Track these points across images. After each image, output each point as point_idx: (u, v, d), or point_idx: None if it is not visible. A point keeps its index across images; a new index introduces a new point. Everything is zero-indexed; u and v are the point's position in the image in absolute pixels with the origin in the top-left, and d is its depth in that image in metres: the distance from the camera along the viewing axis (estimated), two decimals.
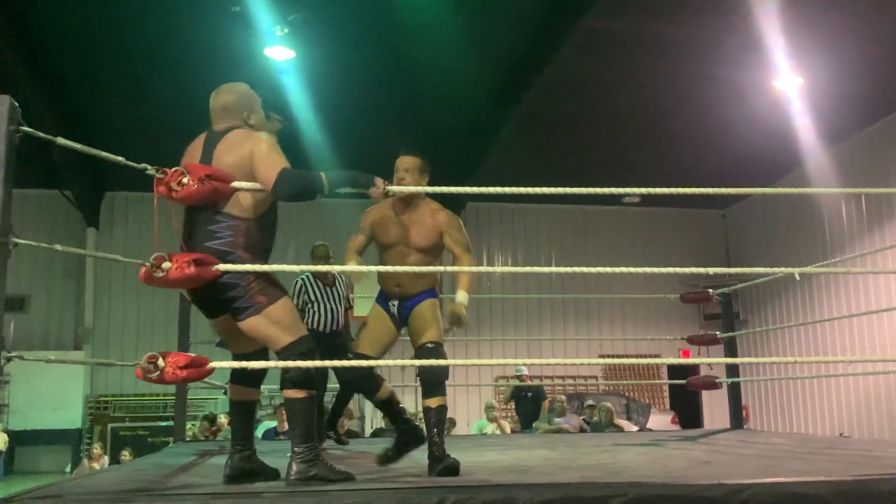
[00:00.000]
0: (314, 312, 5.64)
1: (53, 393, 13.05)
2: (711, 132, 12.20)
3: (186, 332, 5.91)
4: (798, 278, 3.52)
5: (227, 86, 3.42)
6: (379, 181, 3.28)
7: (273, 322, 3.05)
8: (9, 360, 2.51)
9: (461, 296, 3.81)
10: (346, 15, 9.26)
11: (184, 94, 10.91)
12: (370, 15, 9.25)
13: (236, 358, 3.25)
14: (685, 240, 16.25)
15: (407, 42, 9.76)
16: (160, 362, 2.78)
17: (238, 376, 3.29)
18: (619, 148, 12.93)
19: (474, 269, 4.02)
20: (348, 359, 3.80)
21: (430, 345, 3.74)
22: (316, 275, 5.71)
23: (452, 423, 10.97)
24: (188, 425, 10.45)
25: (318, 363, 3.09)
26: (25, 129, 2.55)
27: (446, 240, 3.89)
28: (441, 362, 3.60)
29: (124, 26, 9.50)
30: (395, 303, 3.85)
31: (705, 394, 15.26)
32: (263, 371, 3.25)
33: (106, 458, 11.31)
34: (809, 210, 13.84)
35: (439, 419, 3.67)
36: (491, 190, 3.47)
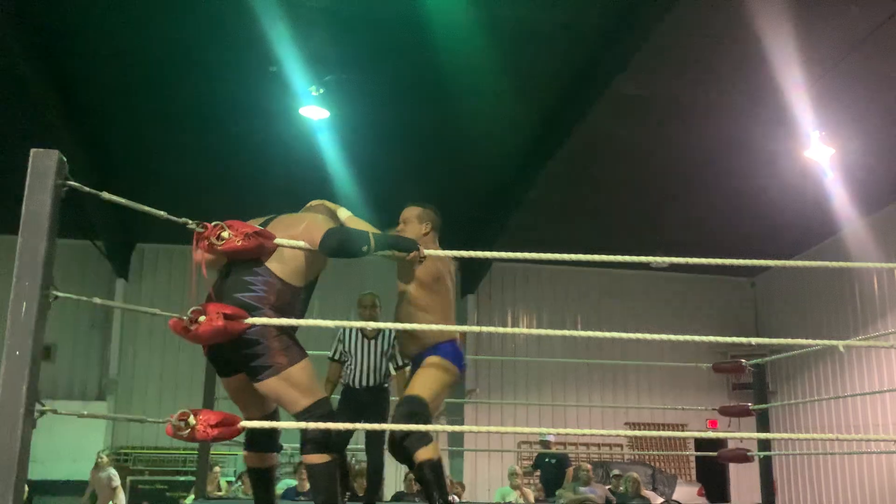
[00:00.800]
0: (351, 366, 5.25)
1: (74, 444, 12.99)
2: (742, 199, 12.17)
3: (212, 387, 5.85)
4: (843, 350, 3.41)
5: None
6: (421, 248, 3.28)
7: (292, 384, 3.01)
8: (42, 413, 2.49)
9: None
10: (380, 75, 9.43)
11: (221, 152, 11.14)
12: (404, 75, 9.40)
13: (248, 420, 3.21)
14: (714, 307, 16.08)
15: (440, 103, 9.91)
16: (191, 420, 2.75)
17: (253, 443, 3.26)
18: (648, 213, 12.91)
19: (494, 329, 3.90)
20: (383, 418, 3.72)
21: (402, 402, 3.59)
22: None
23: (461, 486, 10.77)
24: (222, 481, 10.50)
25: (337, 425, 3.01)
26: (71, 183, 2.57)
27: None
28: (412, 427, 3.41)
29: (165, 84, 9.72)
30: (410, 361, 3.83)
31: (733, 467, 14.91)
32: (278, 435, 3.22)
33: (112, 470, 11.37)
34: (840, 280, 13.67)
35: (435, 474, 3.47)
36: (513, 255, 3.40)
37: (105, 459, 11.51)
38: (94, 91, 10.14)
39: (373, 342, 5.19)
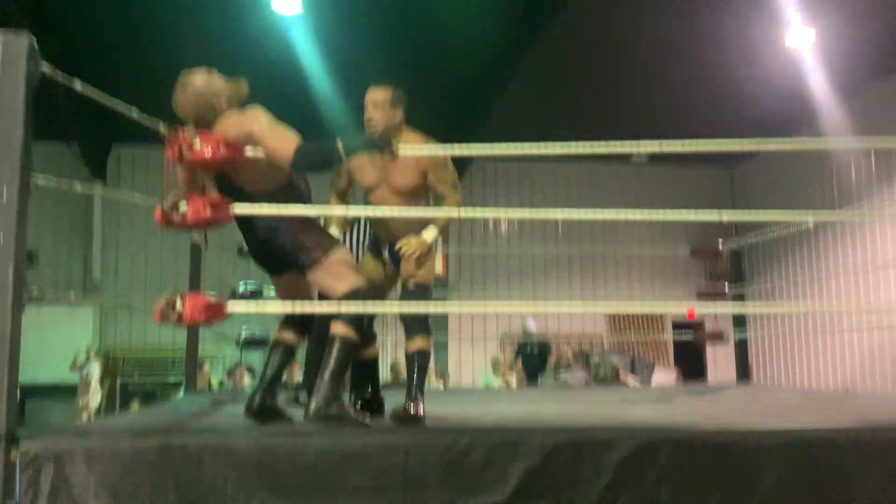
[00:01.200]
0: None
1: (63, 347, 13.13)
2: (721, 87, 12.10)
3: (197, 283, 5.94)
4: (811, 226, 3.49)
5: (185, 82, 3.32)
6: (395, 145, 3.24)
7: (330, 274, 3.17)
8: (30, 299, 2.54)
9: (429, 233, 3.53)
10: None
11: (192, 50, 10.85)
12: None
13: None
14: (693, 198, 16.14)
15: None
16: (178, 304, 2.80)
17: (291, 320, 3.38)
18: (629, 101, 12.84)
19: (461, 211, 3.72)
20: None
21: (411, 287, 3.56)
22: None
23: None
24: (213, 380, 10.73)
25: (353, 310, 3.12)
26: (45, 70, 2.54)
27: (430, 178, 3.57)
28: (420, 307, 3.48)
29: None
30: (386, 247, 3.69)
31: (709, 352, 15.37)
32: (311, 318, 3.34)
33: (92, 366, 11.57)
34: (818, 169, 13.77)
35: (423, 364, 3.55)
36: (495, 151, 3.40)
37: (86, 357, 11.62)
38: None
39: (347, 234, 4.97)
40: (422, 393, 3.43)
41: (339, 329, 3.14)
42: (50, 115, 11.42)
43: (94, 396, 11.72)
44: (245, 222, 3.22)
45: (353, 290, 3.15)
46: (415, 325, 3.55)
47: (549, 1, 9.69)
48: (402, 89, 3.69)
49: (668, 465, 2.61)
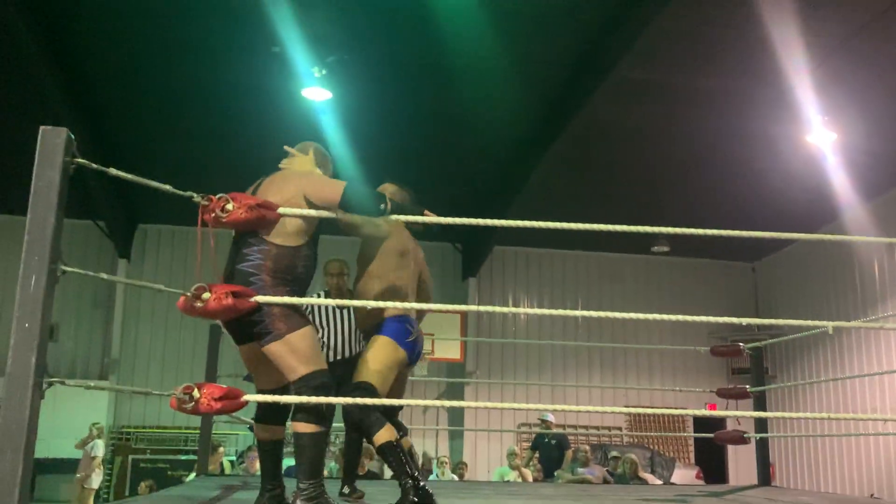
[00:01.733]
0: (323, 339, 4.84)
1: (77, 422, 13.07)
2: (744, 185, 12.19)
3: (214, 364, 5.93)
4: (831, 332, 3.44)
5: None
6: (428, 213, 3.30)
7: (291, 351, 3.05)
8: (50, 384, 2.55)
9: None
10: (383, 57, 9.43)
11: (223, 133, 11.15)
12: (407, 57, 9.40)
13: (260, 393, 3.27)
14: (714, 292, 16.14)
15: (443, 85, 9.91)
16: (195, 393, 2.79)
17: (263, 415, 3.31)
18: (649, 198, 12.94)
19: (491, 308, 3.85)
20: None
21: (352, 388, 3.63)
22: (330, 295, 4.84)
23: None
24: (225, 461, 10.58)
25: (330, 400, 3.03)
26: (79, 160, 2.61)
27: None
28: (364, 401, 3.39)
29: (167, 64, 9.73)
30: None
31: (731, 450, 15.02)
32: (288, 409, 3.26)
33: (98, 442, 11.47)
34: (842, 266, 13.71)
35: (394, 455, 3.45)
36: (519, 224, 3.43)
37: (94, 432, 11.51)
38: (94, 72, 10.16)
39: (345, 311, 4.84)
40: (413, 474, 3.41)
41: (299, 427, 3.07)
42: (80, 192, 11.69)
43: (96, 474, 11.56)
44: (228, 275, 3.19)
45: (313, 374, 3.06)
46: (366, 426, 3.55)
47: (575, 95, 9.89)
48: (409, 191, 3.94)
49: None
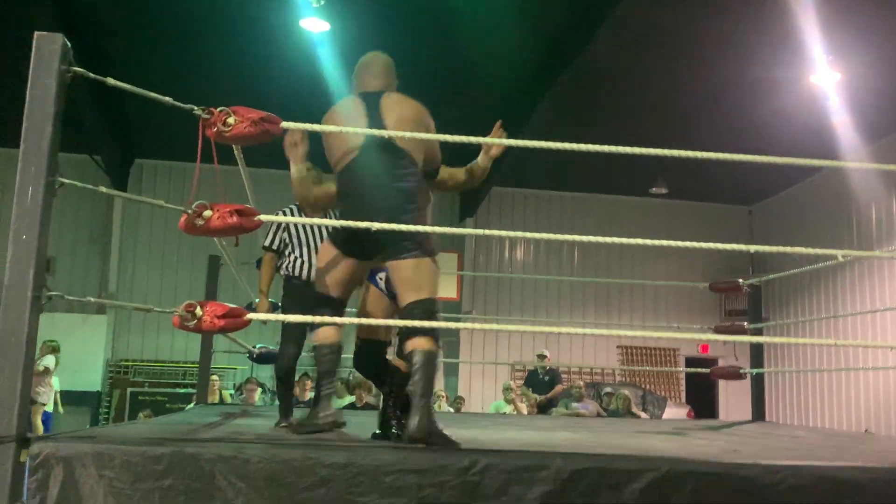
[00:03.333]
0: (294, 256, 4.49)
1: (75, 356, 13.14)
2: (745, 128, 12.07)
3: (214, 295, 5.92)
4: (841, 259, 3.42)
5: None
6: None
7: (429, 271, 3.23)
8: (49, 298, 2.52)
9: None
10: None
11: (221, 67, 10.96)
12: None
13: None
14: (711, 234, 16.07)
15: (441, 23, 9.73)
16: (198, 311, 2.77)
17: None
18: (649, 141, 12.77)
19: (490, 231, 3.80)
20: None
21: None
22: (301, 207, 4.27)
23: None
24: (225, 394, 10.67)
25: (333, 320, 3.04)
26: (76, 69, 2.54)
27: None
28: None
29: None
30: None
31: (722, 389, 15.22)
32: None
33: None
34: (838, 209, 13.69)
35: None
36: (518, 143, 3.39)
37: (46, 348, 10.81)
38: (87, 5, 9.94)
39: (320, 228, 4.51)
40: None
41: (421, 345, 3.11)
42: (76, 126, 11.54)
43: (45, 388, 10.92)
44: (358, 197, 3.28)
45: (435, 298, 3.19)
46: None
47: (576, 36, 9.72)
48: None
49: (694, 498, 2.54)
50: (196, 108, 2.83)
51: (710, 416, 14.29)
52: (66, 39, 2.51)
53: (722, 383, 14.80)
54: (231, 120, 2.84)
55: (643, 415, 10.49)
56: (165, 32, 10.44)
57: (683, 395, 15.86)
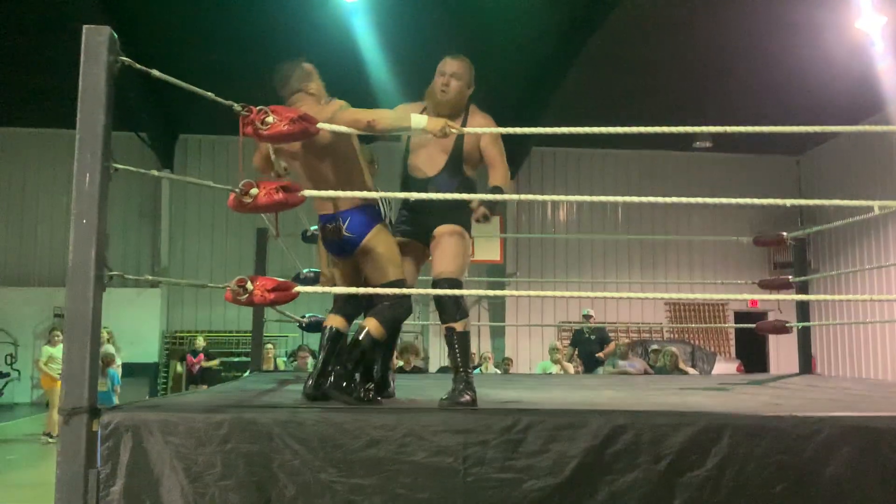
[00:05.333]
0: None
1: (132, 328, 13.56)
2: (786, 76, 11.86)
3: (263, 267, 6.08)
4: (878, 211, 3.43)
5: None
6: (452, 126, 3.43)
7: (460, 245, 3.47)
8: (111, 277, 2.67)
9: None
10: None
11: (254, 38, 11.07)
12: None
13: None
14: (758, 187, 15.87)
15: None
16: (248, 285, 2.90)
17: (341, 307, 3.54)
18: (691, 92, 12.66)
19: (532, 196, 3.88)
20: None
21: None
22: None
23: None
24: (279, 361, 10.96)
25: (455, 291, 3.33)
26: (124, 59, 2.66)
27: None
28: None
29: None
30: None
31: (772, 342, 15.12)
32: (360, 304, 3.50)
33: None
34: (887, 157, 13.40)
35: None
36: (557, 130, 3.42)
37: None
38: None
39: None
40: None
41: (459, 327, 3.41)
42: (121, 104, 11.77)
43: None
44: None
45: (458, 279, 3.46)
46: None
47: None
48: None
49: (731, 451, 2.60)
50: (236, 105, 2.92)
51: (762, 370, 14.24)
52: (112, 31, 2.62)
53: (773, 337, 14.71)
54: (269, 119, 2.93)
55: (692, 371, 10.50)
56: (200, 7, 10.57)
57: (733, 349, 15.80)
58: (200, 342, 12.42)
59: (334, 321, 3.51)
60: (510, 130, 3.61)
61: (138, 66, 2.75)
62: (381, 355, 3.71)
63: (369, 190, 3.43)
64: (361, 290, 3.20)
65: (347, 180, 3.33)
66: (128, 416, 2.62)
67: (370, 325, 3.26)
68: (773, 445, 2.63)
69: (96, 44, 2.61)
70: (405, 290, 3.34)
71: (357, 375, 3.26)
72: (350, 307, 3.56)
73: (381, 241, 3.36)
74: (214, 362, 12.38)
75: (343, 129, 3.21)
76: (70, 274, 2.60)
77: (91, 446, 2.56)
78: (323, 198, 3.33)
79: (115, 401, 11.50)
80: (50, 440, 10.02)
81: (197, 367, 12.10)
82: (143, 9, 10.77)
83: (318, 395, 3.29)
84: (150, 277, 3.00)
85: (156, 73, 2.85)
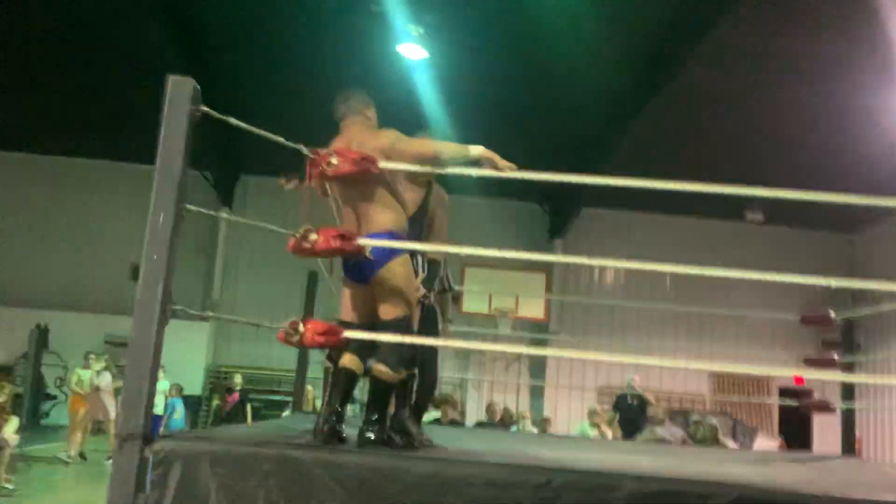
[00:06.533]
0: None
1: (178, 360, 13.76)
2: (844, 155, 11.80)
3: (311, 309, 6.23)
4: None
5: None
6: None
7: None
8: (174, 312, 2.82)
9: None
10: (478, 17, 9.50)
11: (320, 92, 11.40)
12: (501, 17, 9.45)
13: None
14: (809, 264, 15.57)
15: (536, 47, 9.93)
16: (300, 328, 3.04)
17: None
18: (745, 167, 12.61)
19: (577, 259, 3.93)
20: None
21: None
22: None
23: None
24: (316, 402, 11.05)
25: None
26: (204, 109, 2.85)
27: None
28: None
29: (270, 23, 10.06)
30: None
31: (816, 422, 14.75)
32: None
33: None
34: None
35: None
36: (602, 181, 3.51)
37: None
38: (203, 25, 10.56)
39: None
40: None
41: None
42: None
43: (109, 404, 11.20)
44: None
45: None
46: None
47: (670, 59, 9.75)
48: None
49: None
50: (304, 148, 3.10)
51: (804, 449, 13.90)
52: (195, 83, 2.82)
53: (817, 416, 14.39)
54: (334, 160, 3.10)
55: (731, 444, 10.33)
56: (270, 59, 10.99)
57: (776, 426, 15.45)
58: (238, 381, 12.49)
59: (349, 361, 3.42)
60: (559, 177, 3.62)
61: (216, 114, 2.95)
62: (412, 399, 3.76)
63: (403, 218, 3.47)
64: (409, 339, 3.30)
65: (383, 204, 3.39)
66: (178, 446, 2.74)
67: (381, 373, 3.31)
68: None
69: (180, 94, 2.81)
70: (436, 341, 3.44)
71: (387, 422, 3.36)
72: (363, 345, 3.45)
73: (399, 274, 3.35)
74: (248, 407, 12.28)
75: (403, 166, 3.35)
76: (137, 306, 2.76)
77: (142, 472, 2.69)
78: (353, 218, 3.38)
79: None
80: (69, 459, 10.25)
81: (230, 405, 12.21)
82: (215, 55, 11.23)
83: (331, 439, 3.27)
84: (211, 314, 3.19)
85: (233, 121, 3.04)
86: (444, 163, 3.38)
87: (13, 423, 8.44)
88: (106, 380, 11.26)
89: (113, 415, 10.85)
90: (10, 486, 7.72)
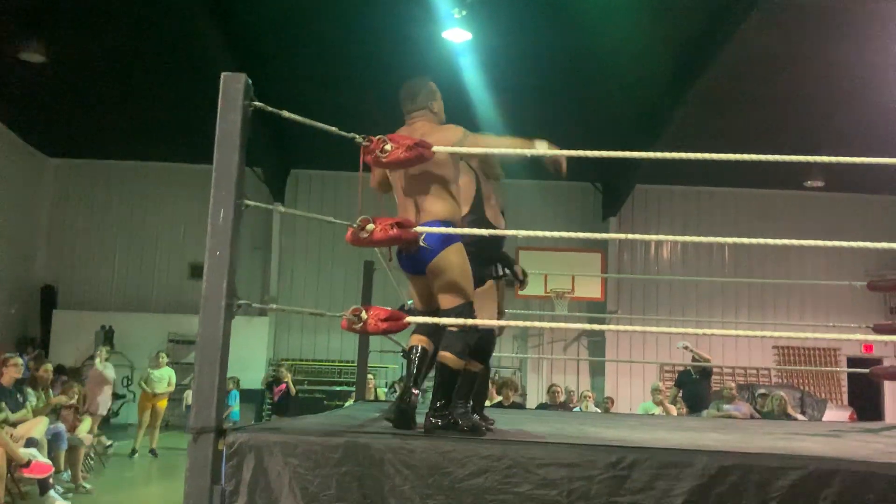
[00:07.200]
0: None
1: (241, 355, 14.00)
2: None
3: (369, 297, 6.27)
4: None
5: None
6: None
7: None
8: (239, 306, 2.86)
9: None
10: None
11: (368, 79, 11.48)
12: None
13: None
14: (871, 228, 15.27)
15: (582, 22, 9.79)
16: (363, 315, 3.06)
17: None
18: (803, 129, 12.36)
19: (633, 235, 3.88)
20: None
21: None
22: None
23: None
24: (379, 391, 11.20)
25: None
26: (257, 103, 2.87)
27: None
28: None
29: (318, 16, 10.10)
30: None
31: (888, 390, 14.40)
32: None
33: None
34: None
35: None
36: (668, 155, 3.45)
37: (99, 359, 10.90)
38: (253, 19, 10.65)
39: None
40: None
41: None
42: None
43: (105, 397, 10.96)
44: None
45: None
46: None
47: (725, 22, 9.53)
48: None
49: (840, 498, 2.56)
50: (357, 136, 3.11)
51: (876, 419, 13.58)
52: (248, 78, 2.85)
53: (889, 384, 14.04)
54: (388, 147, 3.10)
55: (800, 417, 10.14)
56: (317, 51, 11.05)
57: (845, 396, 15.12)
58: (284, 373, 12.64)
59: (418, 340, 3.49)
60: (618, 154, 3.58)
61: (270, 108, 2.97)
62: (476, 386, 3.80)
63: (458, 209, 3.49)
64: (472, 322, 3.29)
65: (439, 195, 3.38)
66: (251, 437, 2.79)
67: (446, 360, 3.32)
68: (886, 494, 2.57)
69: (234, 90, 2.84)
70: (498, 322, 3.43)
71: (458, 407, 3.37)
72: (429, 327, 3.52)
73: (455, 262, 3.33)
74: (293, 389, 12.47)
75: (451, 149, 3.34)
76: (203, 302, 2.80)
77: (216, 464, 2.74)
78: (408, 207, 3.39)
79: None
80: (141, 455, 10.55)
81: (278, 396, 12.38)
82: (267, 50, 11.34)
83: (400, 417, 3.28)
84: (274, 306, 3.19)
85: (286, 113, 3.06)
86: (509, 159, 3.41)
87: (87, 422, 8.68)
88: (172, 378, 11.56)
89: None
90: (87, 486, 7.95)
